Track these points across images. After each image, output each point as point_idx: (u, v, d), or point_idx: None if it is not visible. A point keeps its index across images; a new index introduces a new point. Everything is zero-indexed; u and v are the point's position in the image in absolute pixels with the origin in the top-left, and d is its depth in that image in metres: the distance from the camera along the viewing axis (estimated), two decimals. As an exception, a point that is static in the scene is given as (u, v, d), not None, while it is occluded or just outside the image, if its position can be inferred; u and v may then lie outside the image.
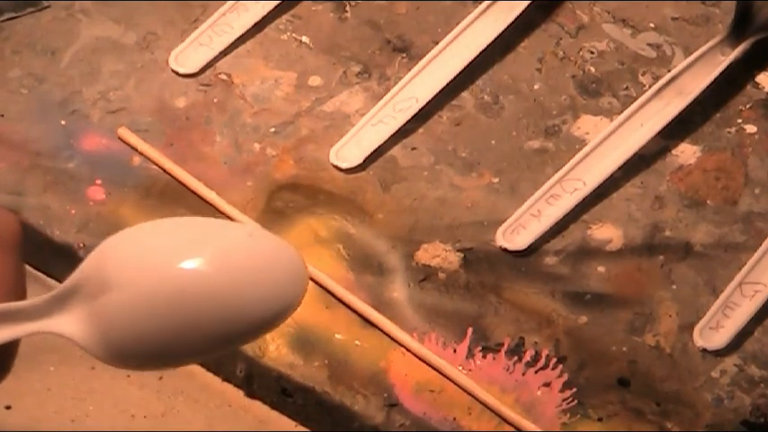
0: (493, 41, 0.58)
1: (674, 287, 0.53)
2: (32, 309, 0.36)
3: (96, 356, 0.36)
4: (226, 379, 0.52)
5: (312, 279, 0.52)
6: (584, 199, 0.55)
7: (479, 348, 0.51)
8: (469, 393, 0.50)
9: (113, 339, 0.36)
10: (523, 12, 0.59)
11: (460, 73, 0.58)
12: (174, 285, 0.35)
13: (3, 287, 0.36)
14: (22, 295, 0.36)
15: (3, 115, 0.56)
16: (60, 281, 0.53)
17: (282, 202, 0.55)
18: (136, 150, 0.55)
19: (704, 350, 0.52)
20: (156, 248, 0.36)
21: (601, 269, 0.54)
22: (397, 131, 0.57)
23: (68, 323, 0.36)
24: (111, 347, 0.36)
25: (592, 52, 0.60)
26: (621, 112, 0.57)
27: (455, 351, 0.51)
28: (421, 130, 0.57)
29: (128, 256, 0.36)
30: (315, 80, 0.59)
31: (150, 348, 0.36)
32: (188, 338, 0.36)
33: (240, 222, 0.39)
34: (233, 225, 0.39)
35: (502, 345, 0.51)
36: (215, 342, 0.36)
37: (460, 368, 0.51)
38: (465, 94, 0.59)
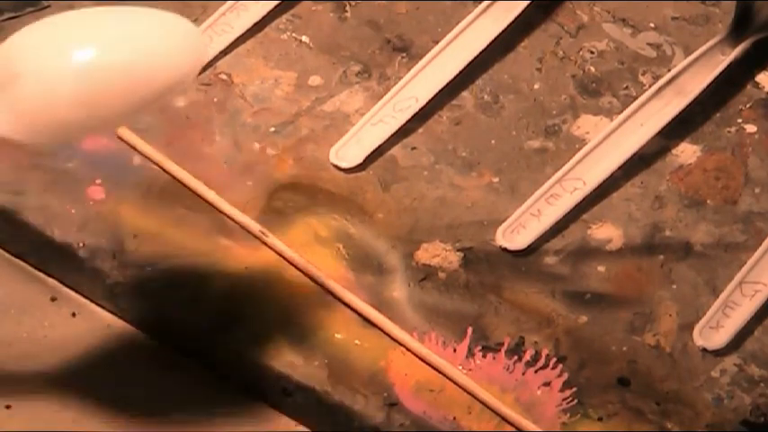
0: (493, 41, 0.58)
1: (674, 287, 0.53)
2: None
3: (17, 138, 0.42)
4: (225, 378, 0.52)
5: (312, 279, 0.52)
6: (584, 199, 0.55)
7: (479, 348, 0.51)
8: (469, 393, 0.50)
9: (29, 120, 0.41)
10: (523, 12, 0.59)
11: (460, 73, 0.58)
12: (78, 63, 0.41)
13: None
14: None
15: (3, 115, 0.56)
16: (60, 280, 0.54)
17: (282, 202, 0.55)
18: (136, 150, 0.55)
19: (704, 350, 0.52)
20: (61, 35, 0.42)
21: (601, 269, 0.54)
22: (397, 131, 0.57)
23: None
24: (27, 127, 0.41)
25: (592, 52, 0.60)
26: (621, 111, 0.57)
27: (455, 351, 0.51)
28: (421, 130, 0.57)
29: (34, 45, 0.42)
30: (315, 80, 0.59)
31: (64, 123, 0.42)
32: (98, 110, 0.42)
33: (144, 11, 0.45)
34: (129, 10, 0.44)
35: (502, 344, 0.51)
36: (122, 111, 0.43)
37: (460, 368, 0.51)
38: (465, 93, 0.59)
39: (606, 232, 0.55)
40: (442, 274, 0.53)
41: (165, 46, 0.43)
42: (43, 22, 0.43)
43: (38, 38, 0.42)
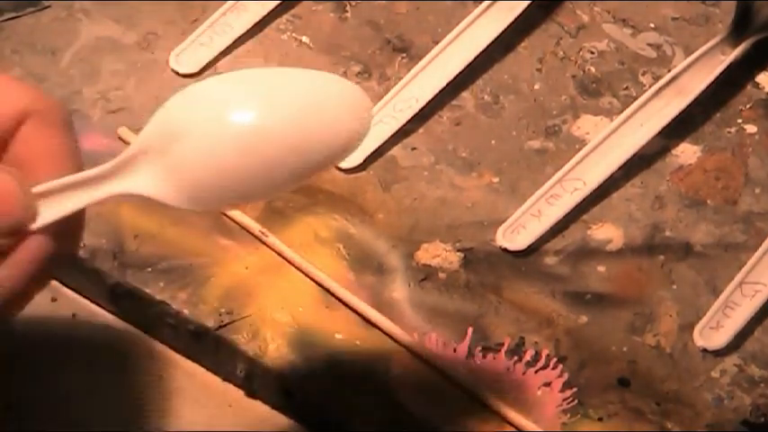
0: (493, 41, 0.58)
1: (675, 287, 0.53)
2: (101, 175, 0.38)
3: (173, 204, 0.38)
4: (226, 379, 0.52)
5: (312, 279, 0.52)
6: (584, 199, 0.55)
7: (479, 348, 0.51)
8: (469, 393, 0.50)
9: (187, 185, 0.38)
10: (523, 12, 0.59)
11: (460, 73, 0.58)
12: (240, 129, 0.38)
13: (73, 161, 0.39)
14: (81, 169, 0.39)
15: (3, 115, 0.56)
16: (61, 281, 0.54)
17: (282, 202, 0.55)
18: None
19: (704, 350, 0.52)
20: (222, 97, 0.39)
21: (601, 269, 0.54)
22: (397, 131, 0.57)
23: (139, 182, 0.39)
24: (185, 193, 0.38)
25: (592, 52, 0.60)
26: (621, 112, 0.57)
27: (455, 351, 0.51)
28: (421, 130, 0.57)
29: (195, 107, 0.39)
30: (315, 80, 0.59)
31: (222, 188, 0.38)
32: (259, 177, 0.38)
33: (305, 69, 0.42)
34: (295, 72, 0.41)
35: (502, 345, 0.51)
36: (282, 182, 0.39)
37: (461, 368, 0.51)
38: (465, 94, 0.59)
39: (606, 232, 0.55)
40: (442, 275, 0.53)
41: (334, 114, 0.40)
42: (206, 82, 0.40)
43: (200, 100, 0.39)
